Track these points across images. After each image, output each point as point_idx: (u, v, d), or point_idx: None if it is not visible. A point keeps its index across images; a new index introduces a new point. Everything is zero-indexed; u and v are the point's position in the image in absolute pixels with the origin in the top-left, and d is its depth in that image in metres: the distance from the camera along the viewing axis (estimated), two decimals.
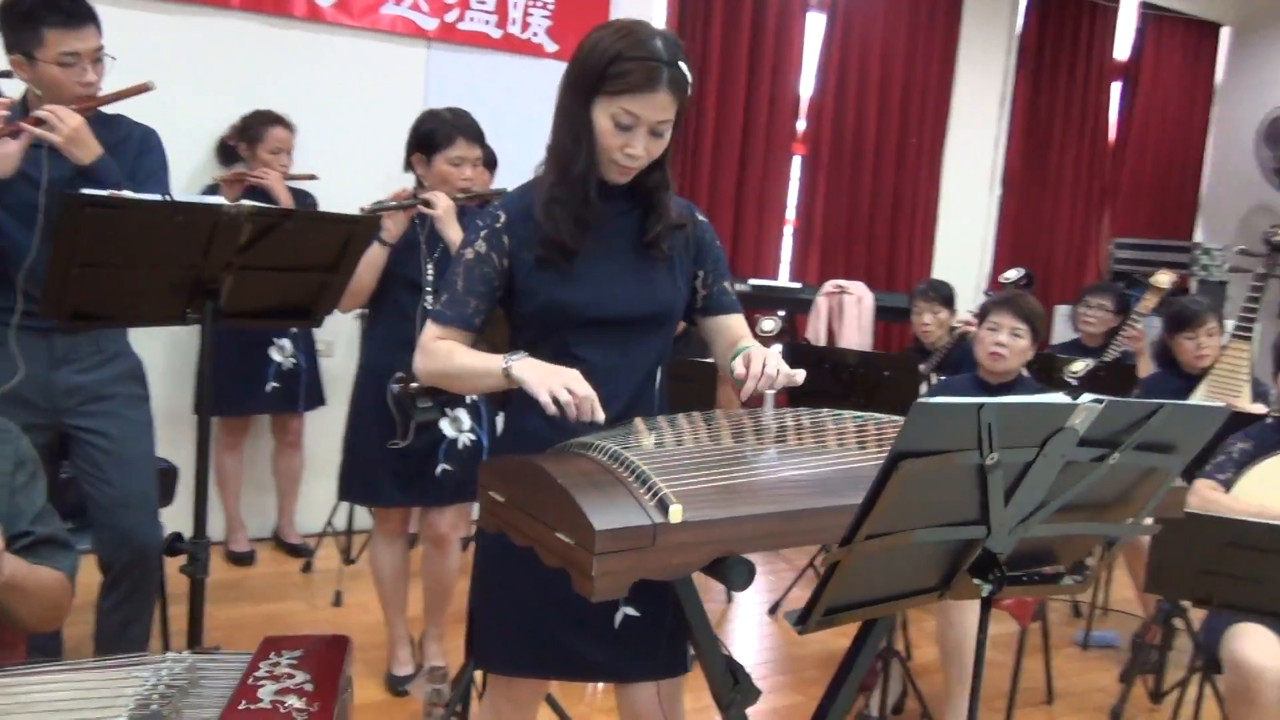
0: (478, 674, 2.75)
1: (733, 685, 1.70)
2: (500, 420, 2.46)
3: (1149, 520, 1.59)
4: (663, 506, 1.41)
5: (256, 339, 3.86)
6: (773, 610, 4.07)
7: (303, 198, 3.96)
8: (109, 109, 2.42)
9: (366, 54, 4.43)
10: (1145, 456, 1.44)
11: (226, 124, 4.03)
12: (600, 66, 1.70)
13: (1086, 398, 1.33)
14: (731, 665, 1.71)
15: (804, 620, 1.35)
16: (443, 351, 1.78)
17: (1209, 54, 7.40)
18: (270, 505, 4.35)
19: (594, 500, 1.41)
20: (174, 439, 3.61)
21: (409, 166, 3.03)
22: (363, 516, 4.14)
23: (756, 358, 1.73)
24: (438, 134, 2.95)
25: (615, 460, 1.53)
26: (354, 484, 3.04)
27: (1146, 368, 4.90)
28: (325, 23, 4.33)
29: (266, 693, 1.34)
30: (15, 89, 2.46)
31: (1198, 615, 3.38)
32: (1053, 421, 1.32)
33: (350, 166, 4.32)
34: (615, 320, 1.81)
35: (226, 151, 3.99)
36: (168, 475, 3.02)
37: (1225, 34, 7.42)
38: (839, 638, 3.83)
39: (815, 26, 5.76)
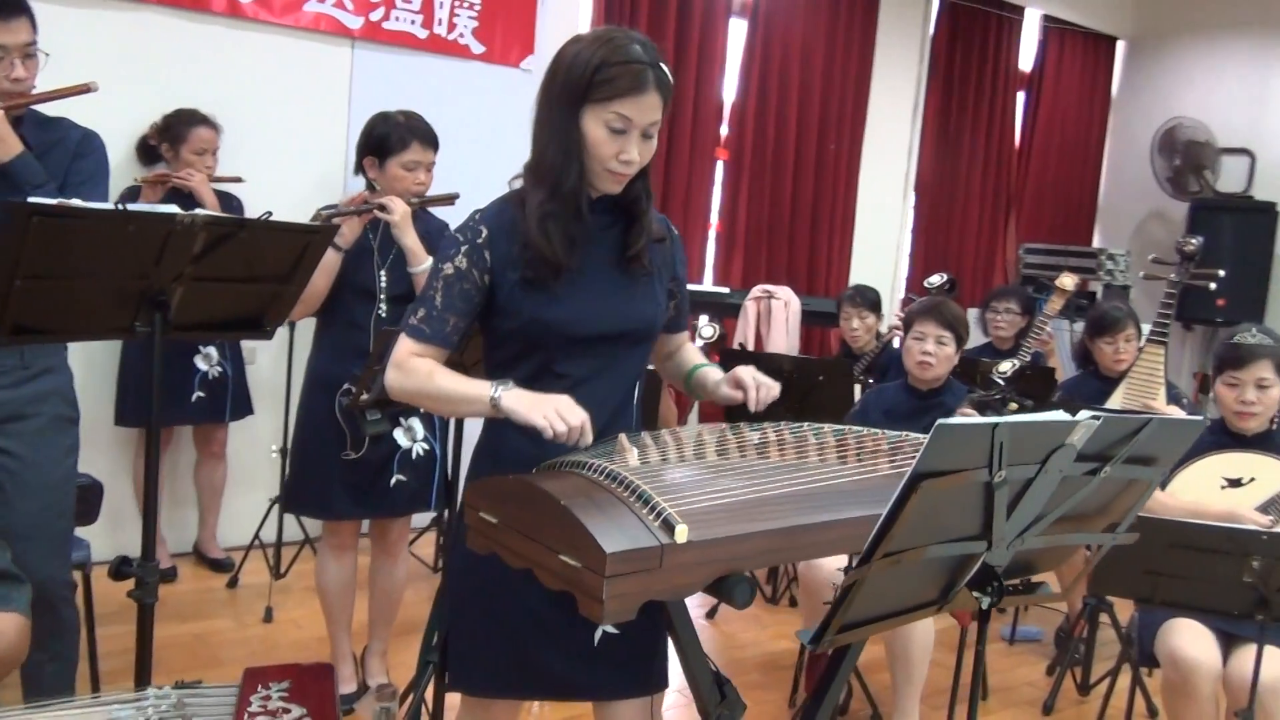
0: (428, 694, 2.72)
1: (720, 699, 1.70)
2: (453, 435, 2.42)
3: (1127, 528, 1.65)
4: (668, 527, 1.41)
5: (181, 347, 3.72)
6: (710, 614, 4.09)
7: (228, 200, 3.84)
8: (50, 110, 2.30)
9: (289, 52, 4.31)
10: (1131, 469, 1.49)
11: (144, 122, 3.87)
12: (586, 76, 1.68)
13: (1085, 414, 1.37)
14: (719, 679, 1.71)
15: (818, 639, 1.36)
16: (422, 371, 1.73)
17: (1106, 66, 7.71)
18: (190, 519, 4.20)
19: (600, 522, 1.40)
20: (93, 452, 3.46)
21: (359, 170, 2.96)
22: (292, 529, 4.03)
23: (745, 376, 1.81)
24: (391, 138, 2.89)
25: (612, 479, 1.51)
26: (304, 496, 2.95)
27: (1056, 366, 5.09)
28: (246, 19, 4.20)
29: None
30: None
31: (1122, 608, 3.53)
32: (1055, 438, 1.36)
33: (274, 168, 4.21)
34: (599, 337, 1.79)
35: (148, 151, 3.84)
36: (90, 491, 2.88)
37: (1121, 47, 7.73)
38: (779, 640, 3.92)
39: (738, 33, 5.81)
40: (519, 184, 1.83)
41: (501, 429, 1.78)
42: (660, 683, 1.92)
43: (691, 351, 2.08)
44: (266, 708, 1.36)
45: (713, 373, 1.96)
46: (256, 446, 4.23)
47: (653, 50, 1.72)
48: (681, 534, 1.39)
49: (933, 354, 3.24)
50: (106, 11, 3.87)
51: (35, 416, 2.38)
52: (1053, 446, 1.36)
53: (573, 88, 1.70)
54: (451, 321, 1.75)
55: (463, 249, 1.76)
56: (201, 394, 3.79)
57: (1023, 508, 1.41)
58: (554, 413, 1.59)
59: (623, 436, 1.73)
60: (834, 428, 1.85)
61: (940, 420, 1.21)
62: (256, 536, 4.04)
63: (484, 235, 1.76)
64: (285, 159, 4.30)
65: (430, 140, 2.95)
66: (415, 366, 1.75)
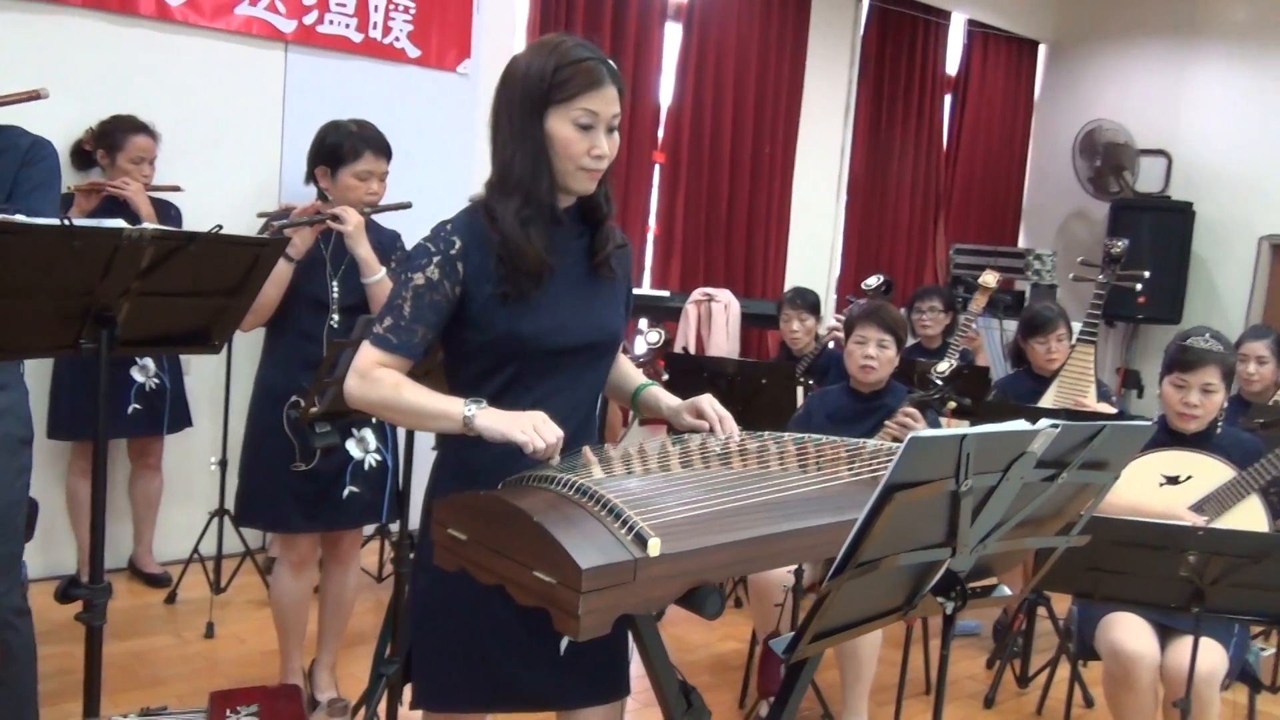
0: (381, 708, 2.69)
1: (686, 708, 1.72)
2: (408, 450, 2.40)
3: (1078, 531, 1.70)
4: (640, 541, 1.42)
5: (116, 359, 3.62)
6: (658, 616, 4.11)
7: (166, 209, 3.75)
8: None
9: (221, 56, 4.23)
10: (1086, 474, 1.54)
11: (74, 128, 3.77)
12: (545, 80, 1.71)
13: (1045, 423, 1.42)
14: (685, 688, 1.72)
15: (792, 649, 1.38)
16: (388, 382, 1.71)
17: (1029, 69, 7.91)
18: (124, 533, 4.10)
19: (573, 538, 1.40)
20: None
21: (311, 180, 2.92)
22: (232, 541, 3.96)
23: (706, 406, 1.87)
24: (344, 147, 2.85)
25: (583, 494, 1.52)
26: (256, 509, 2.90)
27: (985, 361, 5.22)
28: (175, 22, 4.10)
29: None
30: None
31: (1058, 601, 3.63)
32: (1017, 447, 1.40)
33: (208, 174, 4.13)
34: (570, 349, 1.80)
35: (82, 157, 3.74)
36: (27, 508, 2.81)
37: (1042, 51, 7.94)
38: (727, 641, 3.95)
39: (673, 37, 5.85)
40: (481, 196, 1.82)
41: (462, 444, 1.78)
42: (623, 689, 1.93)
43: (630, 366, 2.11)
44: None
45: (663, 395, 1.99)
46: (194, 458, 4.14)
47: (596, 49, 1.77)
48: (654, 547, 1.41)
49: (875, 357, 3.29)
50: (30, 16, 3.76)
51: None
52: (1015, 455, 1.40)
53: (533, 94, 1.71)
54: (420, 333, 1.74)
55: (435, 259, 1.74)
56: (138, 406, 3.70)
57: (986, 514, 1.45)
58: (533, 429, 1.59)
59: (587, 449, 1.73)
60: (793, 436, 1.88)
61: (912, 434, 1.24)
62: (196, 550, 3.96)
63: (457, 246, 1.75)
64: (219, 165, 4.21)
65: (383, 149, 2.93)
66: (380, 377, 1.73)
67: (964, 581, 1.51)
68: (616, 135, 1.79)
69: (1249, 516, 2.79)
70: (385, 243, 2.94)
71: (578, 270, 1.83)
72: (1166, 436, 2.94)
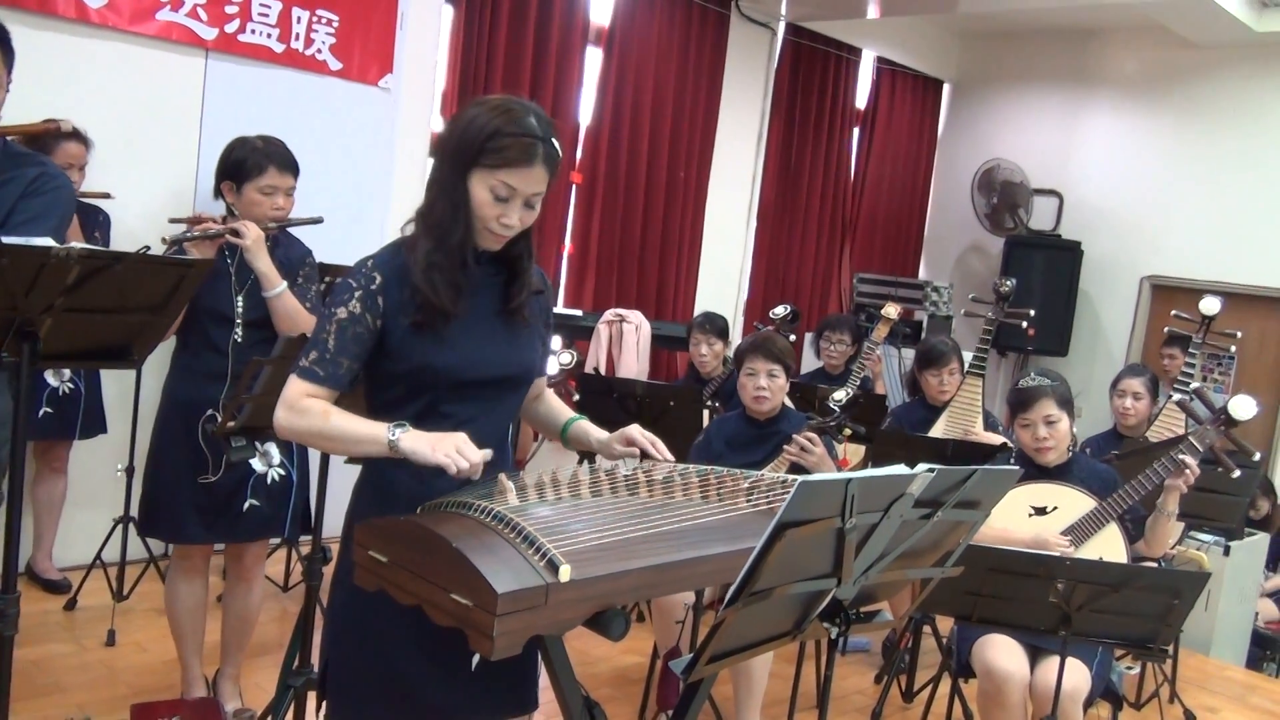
0: (288, 717, 2.74)
1: None
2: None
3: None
4: (552, 567, 1.52)
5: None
6: None
7: (93, 215, 3.73)
8: (23, 144, 2.23)
9: (139, 62, 4.21)
10: (959, 512, 1.70)
11: None
12: (479, 141, 1.78)
13: (922, 467, 1.56)
14: (588, 704, 1.84)
15: (690, 669, 1.50)
16: (316, 411, 1.79)
17: (933, 107, 8.25)
18: (24, 537, 4.03)
19: (489, 564, 1.50)
20: None
21: (218, 194, 2.95)
22: (136, 548, 3.94)
23: (637, 435, 1.99)
24: (248, 162, 2.90)
25: (499, 521, 1.62)
26: (156, 519, 2.92)
27: (883, 389, 5.45)
28: (93, 25, 4.08)
29: None
30: None
31: (942, 621, 3.83)
32: (896, 489, 1.54)
33: (124, 179, 4.10)
34: (483, 381, 1.89)
35: None
36: None
37: (946, 90, 8.28)
38: (628, 655, 4.06)
39: (594, 59, 5.97)
40: (410, 229, 1.91)
41: (383, 466, 1.86)
42: (530, 704, 2.03)
43: (557, 401, 2.22)
44: None
45: (592, 429, 2.09)
46: (100, 463, 4.10)
47: (549, 125, 1.84)
48: (565, 573, 1.52)
49: (766, 388, 3.43)
50: None
51: None
52: (895, 496, 1.54)
53: (465, 150, 1.80)
54: (345, 364, 1.82)
55: (356, 294, 1.82)
56: (49, 410, 3.67)
57: (868, 548, 1.59)
58: (455, 452, 1.68)
59: (502, 477, 1.83)
60: (698, 468, 2.00)
61: (802, 479, 1.38)
62: (98, 556, 3.92)
63: (377, 281, 1.83)
64: (135, 170, 4.19)
65: (289, 165, 2.97)
66: (308, 406, 1.80)
67: (848, 608, 1.65)
68: (535, 210, 1.87)
69: (1108, 543, 3.02)
70: (294, 259, 2.98)
71: (492, 308, 1.92)
72: (1032, 470, 3.16)
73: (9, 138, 2.37)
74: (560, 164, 1.88)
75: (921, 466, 1.56)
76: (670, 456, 2.00)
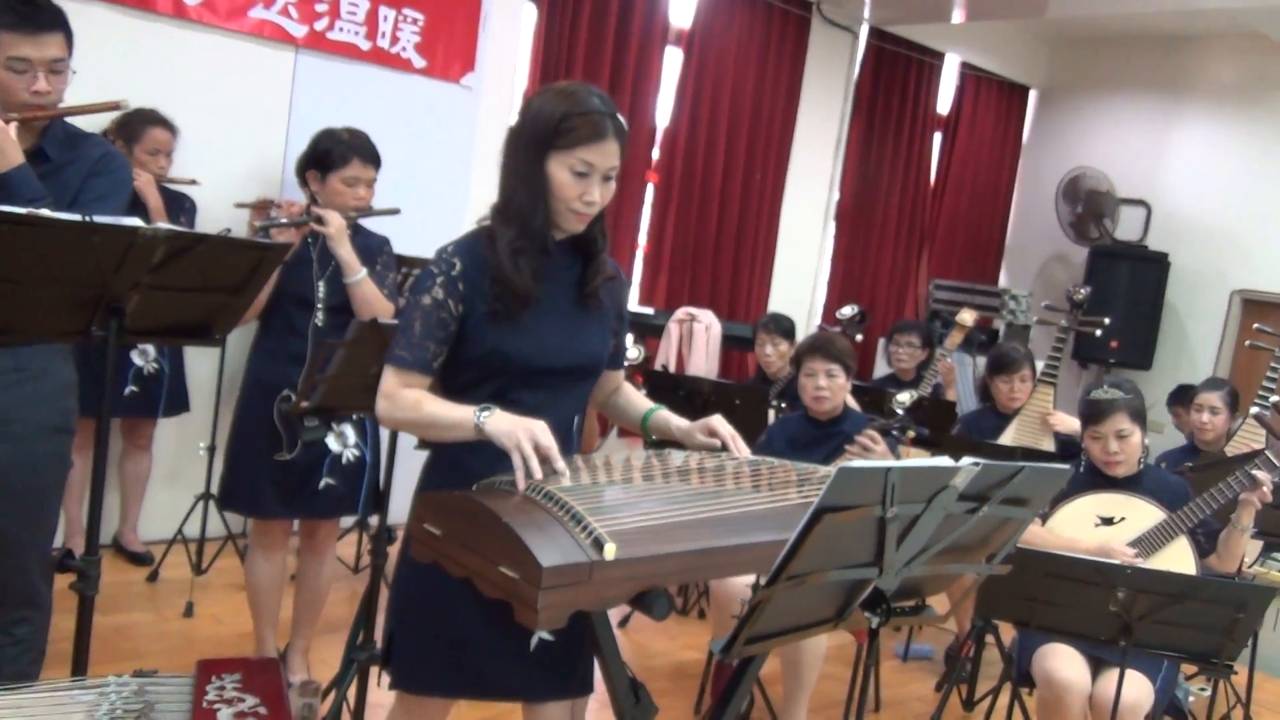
0: (351, 691, 2.83)
1: (634, 703, 1.87)
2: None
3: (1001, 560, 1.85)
4: (598, 545, 1.56)
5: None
6: (623, 624, 4.26)
7: (179, 201, 3.89)
8: (81, 124, 2.35)
9: (233, 56, 4.37)
10: (1006, 509, 1.70)
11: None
12: (551, 125, 1.86)
13: (966, 460, 1.57)
14: (634, 684, 1.87)
15: (728, 649, 1.53)
16: (409, 401, 1.87)
17: (1018, 113, 8.11)
18: (110, 511, 4.22)
19: (536, 539, 1.55)
20: None
21: (302, 182, 3.06)
22: (215, 525, 4.09)
23: (720, 426, 2.03)
24: (333, 153, 3.00)
25: (549, 499, 1.67)
26: (237, 494, 3.04)
27: (954, 396, 5.39)
28: (190, 21, 4.25)
29: (225, 716, 1.41)
30: None
31: (1006, 631, 3.78)
32: (940, 481, 1.55)
33: (214, 169, 4.26)
34: (553, 370, 1.95)
35: None
36: None
37: (1033, 96, 8.14)
38: (687, 650, 4.10)
39: (673, 60, 6.01)
40: (486, 221, 1.98)
41: (453, 448, 1.93)
42: (586, 687, 2.07)
43: (636, 393, 2.26)
44: (222, 696, 1.48)
45: (672, 417, 2.13)
46: (185, 442, 4.27)
47: (610, 103, 1.91)
48: (610, 551, 1.55)
49: (825, 388, 3.44)
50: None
51: (19, 421, 2.39)
52: (937, 488, 1.55)
53: (539, 136, 1.87)
54: (431, 349, 1.90)
55: (438, 280, 1.90)
56: (134, 388, 3.83)
57: (911, 539, 1.60)
58: (528, 438, 1.74)
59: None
60: (749, 458, 2.03)
61: (841, 464, 1.40)
62: (180, 531, 4.08)
63: (458, 268, 1.91)
64: (225, 160, 4.35)
65: (371, 157, 3.07)
66: (403, 397, 1.88)
67: (890, 599, 1.66)
68: (613, 184, 1.93)
69: (1178, 557, 2.96)
70: (373, 246, 3.08)
71: (567, 298, 1.98)
72: (1100, 480, 3.11)
73: (69, 118, 2.46)
74: (628, 137, 1.93)
75: (966, 460, 1.57)
76: (748, 453, 2.02)
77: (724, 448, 2.02)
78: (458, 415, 1.83)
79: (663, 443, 2.16)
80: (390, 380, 1.90)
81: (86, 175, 2.40)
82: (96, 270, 2.12)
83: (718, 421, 2.04)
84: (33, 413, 2.41)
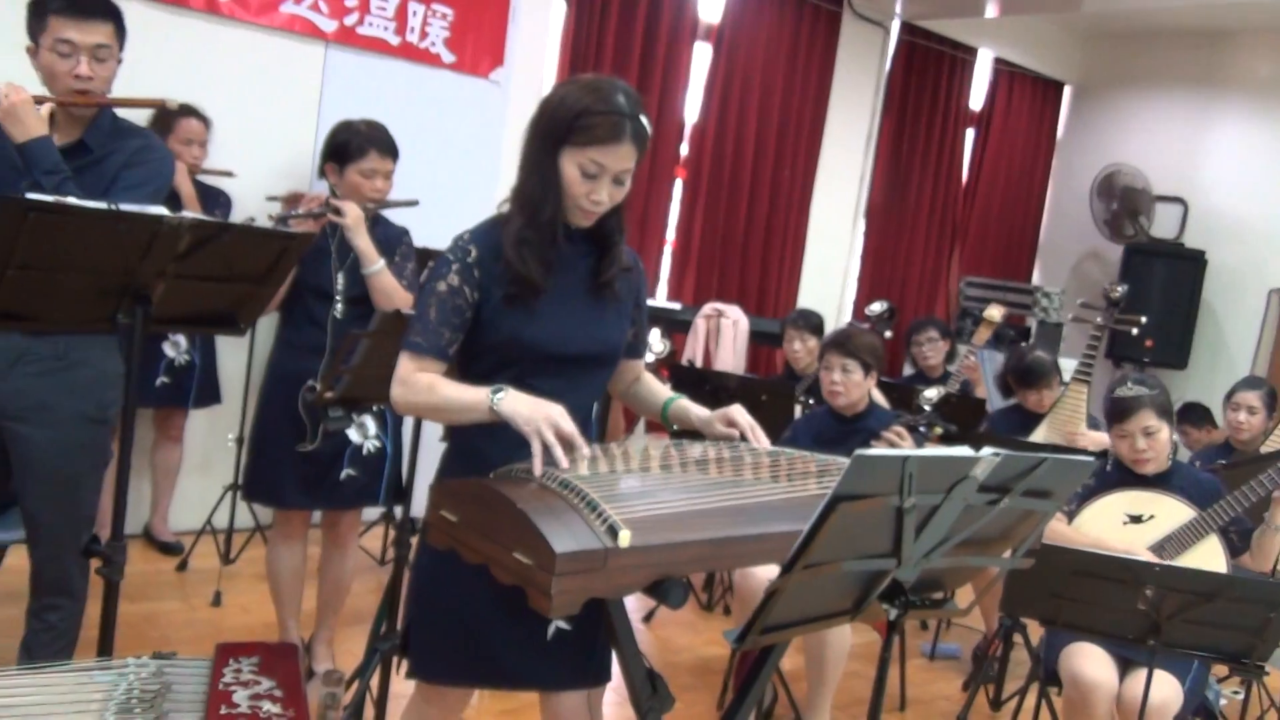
0: (374, 681, 2.84)
1: (651, 693, 1.86)
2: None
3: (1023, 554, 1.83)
4: (612, 532, 1.56)
5: (149, 333, 3.81)
6: (647, 619, 4.25)
7: (214, 196, 3.93)
8: (127, 115, 2.41)
9: (263, 51, 4.40)
10: (1028, 501, 1.67)
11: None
12: (568, 119, 1.84)
13: (987, 451, 1.55)
14: (651, 675, 1.86)
15: (742, 639, 1.52)
16: (424, 385, 1.87)
17: (1052, 109, 8.02)
18: (141, 501, 4.27)
19: (550, 525, 1.55)
20: None
21: (322, 174, 3.08)
22: (244, 516, 4.12)
23: (739, 416, 2.00)
24: (351, 145, 3.02)
25: (564, 487, 1.66)
26: (258, 484, 3.07)
27: (984, 393, 5.33)
28: (222, 16, 4.29)
29: (241, 698, 1.42)
30: None
31: (1034, 631, 3.74)
32: (959, 471, 1.53)
33: (244, 163, 4.29)
34: (569, 357, 1.95)
35: None
36: None
37: (1067, 92, 8.05)
38: (711, 645, 4.08)
39: (702, 55, 6.00)
40: (506, 207, 1.97)
41: (472, 435, 1.93)
42: (603, 677, 2.07)
43: (656, 382, 2.25)
44: (239, 679, 1.49)
45: (692, 407, 2.11)
46: (215, 433, 4.31)
47: (636, 103, 1.87)
48: (624, 539, 1.55)
49: (839, 383, 3.41)
50: None
51: (57, 409, 2.44)
52: (957, 478, 1.53)
53: (556, 127, 1.86)
54: (446, 335, 1.90)
55: (454, 267, 1.90)
56: (165, 379, 3.88)
57: (929, 531, 1.58)
58: (546, 423, 1.72)
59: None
60: (769, 449, 2.01)
61: (858, 451, 1.38)
62: (209, 521, 4.12)
63: (473, 255, 1.91)
64: (256, 154, 4.38)
65: (389, 149, 3.08)
66: (417, 381, 1.88)
67: (909, 591, 1.64)
68: (625, 186, 1.91)
69: (1208, 555, 2.91)
70: (391, 238, 3.10)
71: (582, 285, 1.98)
72: (1130, 477, 3.06)
73: (116, 110, 2.50)
74: (649, 141, 1.91)
75: (987, 450, 1.55)
76: (768, 444, 2.00)
77: (743, 438, 2.00)
78: (472, 397, 1.82)
79: (683, 433, 2.15)
80: (405, 366, 1.90)
81: (122, 165, 2.44)
82: (123, 259, 2.14)
83: (737, 411, 2.02)
84: (70, 401, 2.45)
